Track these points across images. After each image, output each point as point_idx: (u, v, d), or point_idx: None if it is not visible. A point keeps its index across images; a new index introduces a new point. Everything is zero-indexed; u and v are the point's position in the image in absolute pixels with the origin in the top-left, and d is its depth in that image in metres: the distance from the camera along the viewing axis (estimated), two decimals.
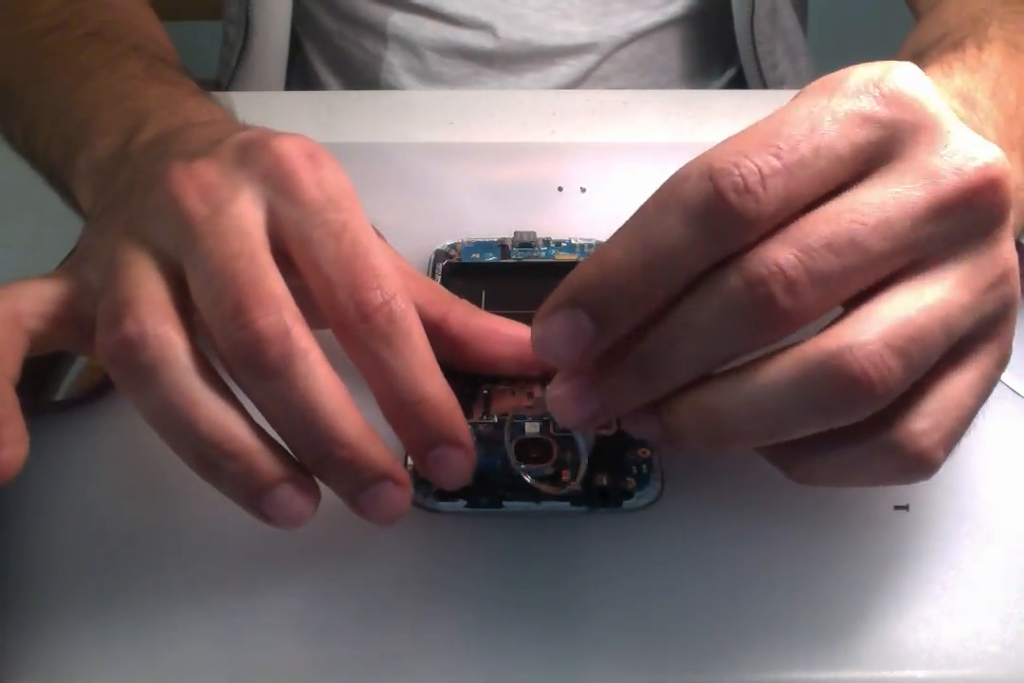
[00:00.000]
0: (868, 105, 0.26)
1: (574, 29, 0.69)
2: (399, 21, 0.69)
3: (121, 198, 0.33)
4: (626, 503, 0.31)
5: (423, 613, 0.30)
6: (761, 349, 0.26)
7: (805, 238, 0.25)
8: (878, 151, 0.26)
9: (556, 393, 0.27)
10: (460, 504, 0.31)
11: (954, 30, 0.43)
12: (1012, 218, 0.27)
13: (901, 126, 0.26)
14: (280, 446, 0.28)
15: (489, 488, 0.31)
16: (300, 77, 0.76)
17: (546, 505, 0.31)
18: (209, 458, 0.27)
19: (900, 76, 0.27)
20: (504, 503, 0.31)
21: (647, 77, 0.72)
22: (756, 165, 0.25)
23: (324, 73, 0.75)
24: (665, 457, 0.33)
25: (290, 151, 0.30)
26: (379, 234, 0.34)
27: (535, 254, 0.41)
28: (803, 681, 0.28)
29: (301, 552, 0.31)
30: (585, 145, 0.53)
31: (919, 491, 0.33)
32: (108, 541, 0.32)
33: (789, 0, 0.72)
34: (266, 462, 0.27)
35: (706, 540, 0.31)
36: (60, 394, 0.38)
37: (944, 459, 0.27)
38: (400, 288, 0.29)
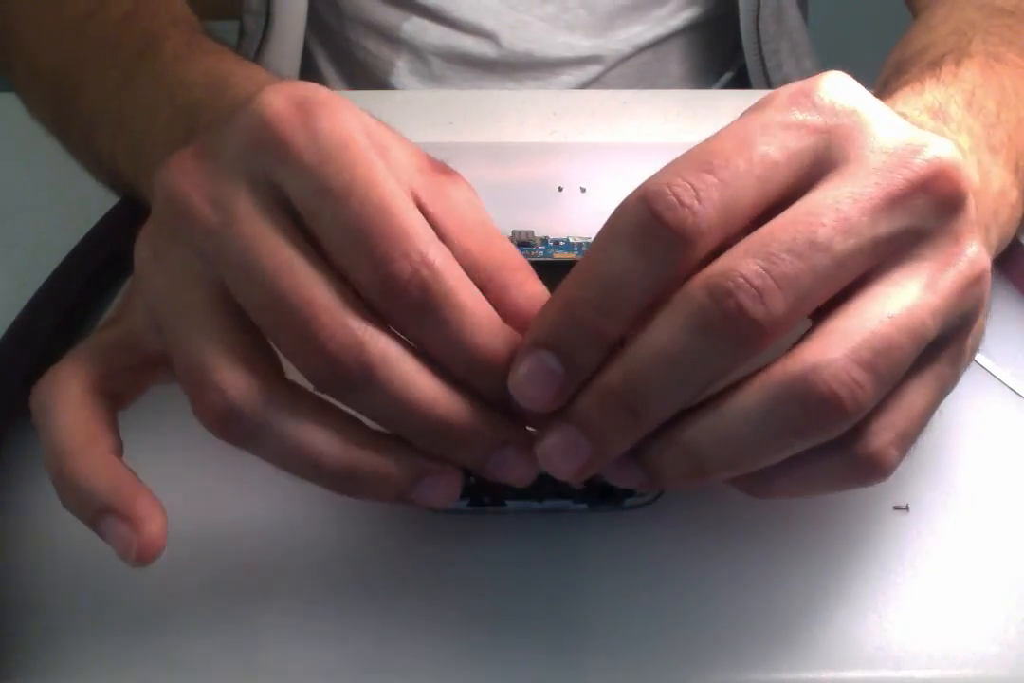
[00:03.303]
0: (799, 115, 0.26)
1: (576, 42, 0.69)
2: (406, 25, 0.69)
3: None
4: (627, 501, 0.31)
5: (425, 611, 0.30)
6: (738, 370, 0.26)
7: (765, 246, 0.24)
8: (818, 157, 0.26)
9: (546, 446, 0.26)
10: (463, 503, 0.31)
11: (938, 42, 0.42)
12: (972, 212, 0.27)
13: (837, 131, 0.26)
14: (403, 443, 0.27)
15: (492, 487, 0.31)
16: (304, 74, 0.77)
17: (548, 503, 0.31)
18: (346, 483, 0.27)
19: (829, 85, 0.27)
20: (506, 502, 0.31)
21: (644, 82, 0.72)
22: (688, 182, 0.25)
23: (328, 70, 0.75)
24: None
25: (273, 110, 0.27)
26: (407, 147, 0.29)
27: (533, 253, 0.41)
28: (802, 680, 0.28)
29: (303, 552, 0.31)
30: (585, 145, 0.53)
31: (919, 491, 0.33)
32: None
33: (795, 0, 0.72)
34: (397, 468, 0.27)
35: (706, 538, 0.31)
36: None
37: (899, 460, 0.27)
38: (428, 243, 0.26)
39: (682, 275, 0.25)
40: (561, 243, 0.42)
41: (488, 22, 0.68)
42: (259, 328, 0.27)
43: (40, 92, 0.48)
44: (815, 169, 0.26)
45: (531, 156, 0.51)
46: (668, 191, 0.25)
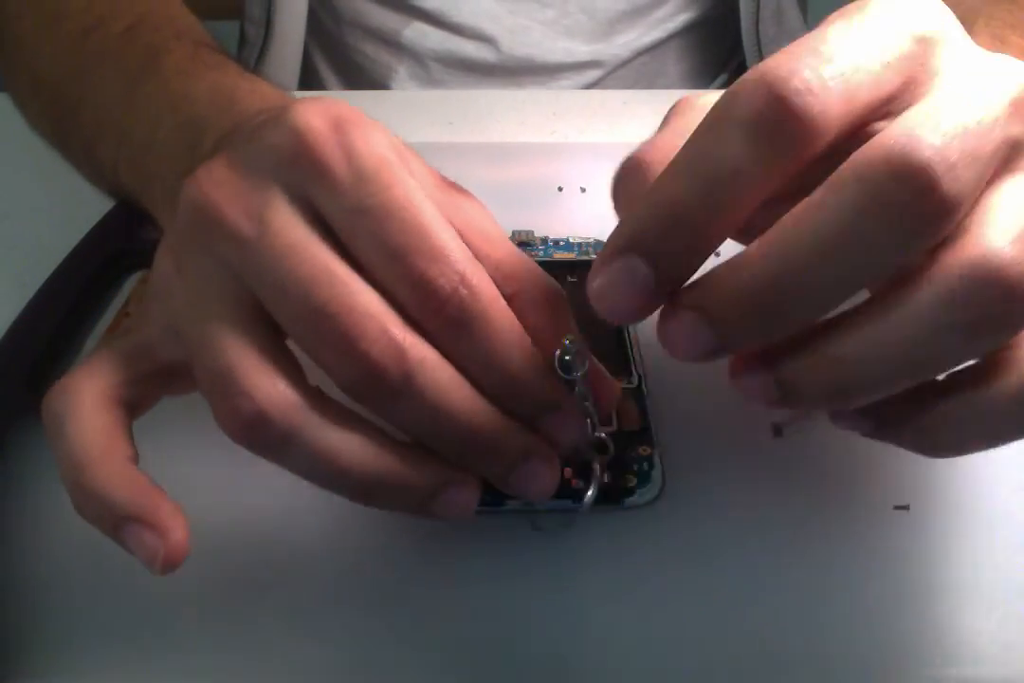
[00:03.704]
0: (899, 19, 0.24)
1: (576, 47, 0.69)
2: (406, 31, 0.70)
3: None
4: (627, 500, 0.31)
5: (424, 611, 0.30)
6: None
7: (938, 123, 0.22)
8: (921, 63, 0.25)
9: (665, 329, 0.24)
10: None
11: None
12: None
13: (935, 38, 0.25)
14: (425, 454, 0.27)
15: (492, 486, 0.31)
16: (304, 79, 0.77)
17: (548, 503, 0.31)
18: (369, 493, 0.27)
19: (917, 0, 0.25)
20: (506, 501, 0.31)
21: (641, 84, 0.72)
22: (812, 67, 0.23)
23: (328, 75, 0.75)
24: (666, 454, 0.33)
25: (309, 126, 0.27)
26: (447, 182, 0.29)
27: (534, 252, 0.41)
28: (802, 680, 0.28)
29: (302, 554, 0.31)
30: (585, 145, 0.53)
31: (919, 491, 0.33)
32: (109, 540, 0.31)
33: (795, 1, 0.72)
34: (421, 478, 0.27)
35: (706, 538, 0.31)
36: None
37: None
38: (465, 262, 0.26)
39: (798, 173, 0.23)
40: (561, 243, 0.42)
41: (488, 27, 0.68)
42: (289, 338, 0.27)
43: (40, 104, 0.48)
44: (922, 72, 0.24)
45: (531, 156, 0.51)
46: (795, 76, 0.22)
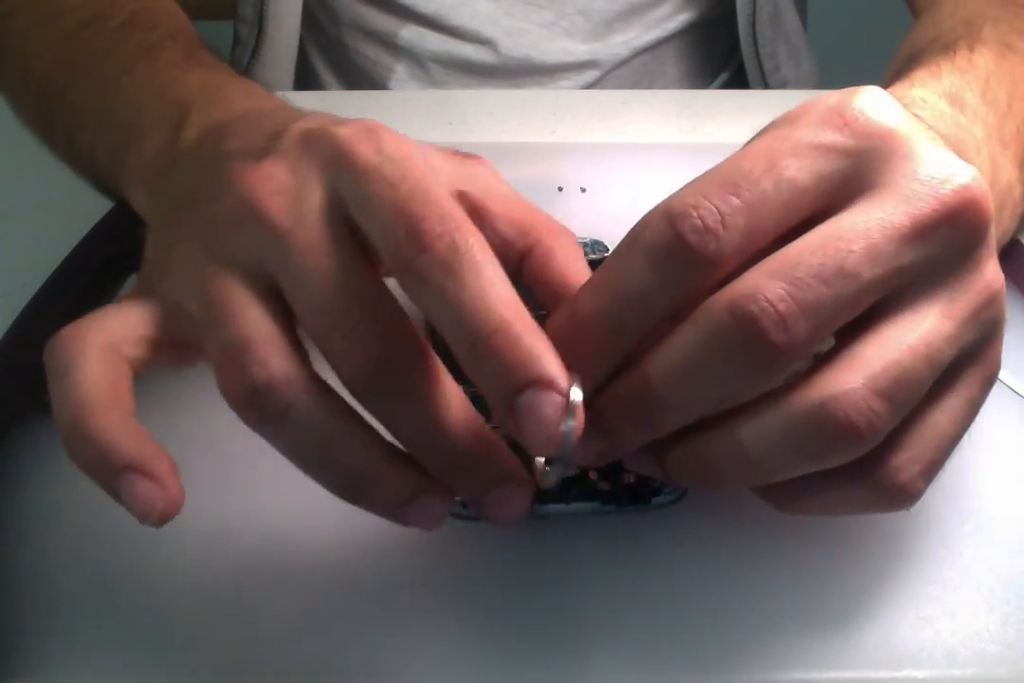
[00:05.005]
0: (831, 136, 0.26)
1: (574, 47, 0.69)
2: (403, 32, 0.70)
3: (185, 204, 0.31)
4: (654, 500, 0.31)
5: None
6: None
7: (792, 269, 0.24)
8: (846, 181, 0.26)
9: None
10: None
11: (947, 32, 0.43)
12: (993, 237, 0.27)
13: (869, 154, 0.26)
14: (410, 459, 0.27)
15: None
16: (302, 80, 0.76)
17: (575, 506, 0.31)
18: (353, 487, 0.27)
19: (864, 103, 0.27)
20: (534, 505, 0.31)
21: (641, 84, 0.72)
22: (714, 205, 0.25)
23: (326, 75, 0.75)
24: None
25: (348, 133, 0.28)
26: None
27: None
28: (802, 680, 0.28)
29: (303, 553, 0.31)
30: (585, 145, 0.53)
31: None
32: (109, 541, 0.32)
33: (792, 3, 0.72)
34: (404, 481, 0.27)
35: (705, 537, 0.31)
36: None
37: (925, 488, 0.27)
38: (465, 221, 0.26)
39: (700, 295, 0.25)
40: None
41: (486, 29, 0.68)
42: (304, 328, 0.27)
43: (29, 98, 0.48)
44: (843, 192, 0.26)
45: (531, 156, 0.51)
46: (694, 213, 0.25)
